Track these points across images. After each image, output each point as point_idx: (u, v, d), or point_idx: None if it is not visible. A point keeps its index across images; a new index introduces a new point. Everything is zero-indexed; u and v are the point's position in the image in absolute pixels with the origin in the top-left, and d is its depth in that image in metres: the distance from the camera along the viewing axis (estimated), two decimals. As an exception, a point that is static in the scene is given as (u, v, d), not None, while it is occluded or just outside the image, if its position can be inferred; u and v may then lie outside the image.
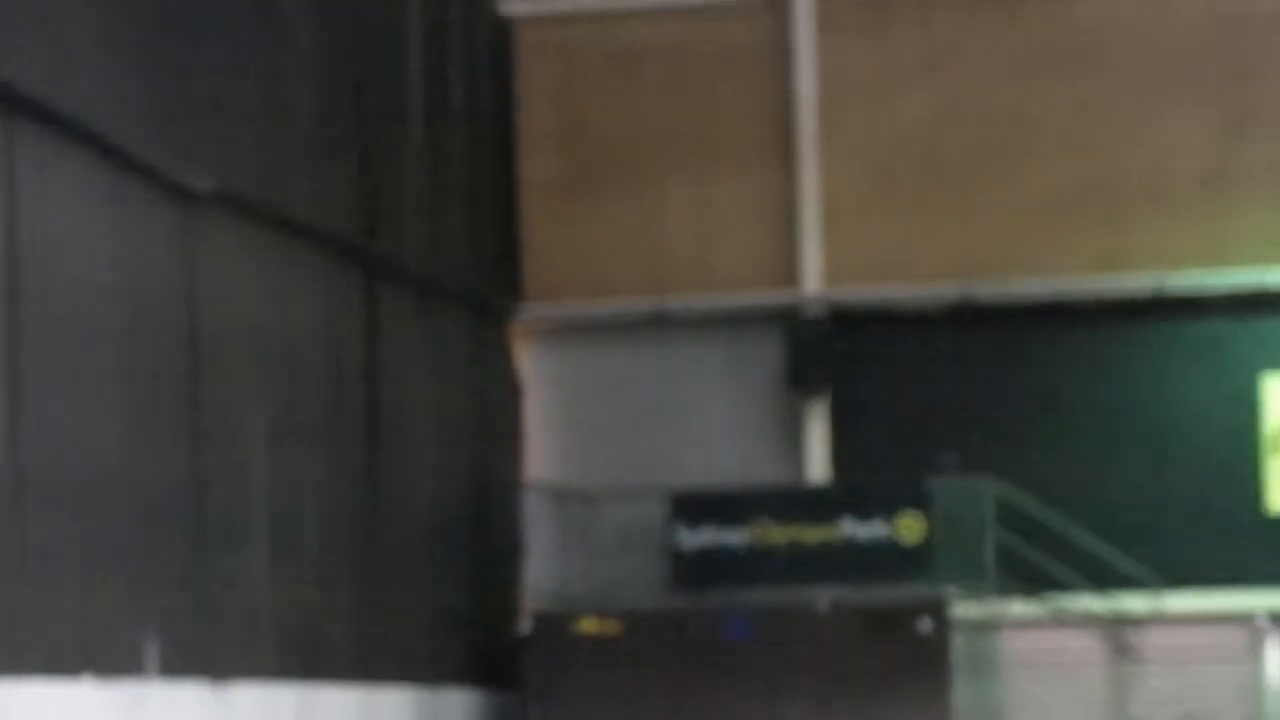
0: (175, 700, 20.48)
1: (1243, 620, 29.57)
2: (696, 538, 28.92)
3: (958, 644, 26.72)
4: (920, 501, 28.49)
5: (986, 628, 28.48)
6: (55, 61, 19.17)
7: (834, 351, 30.46)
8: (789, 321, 30.66)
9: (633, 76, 30.74)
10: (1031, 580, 28.80)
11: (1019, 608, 29.20)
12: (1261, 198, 29.79)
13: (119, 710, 19.40)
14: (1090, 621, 29.26)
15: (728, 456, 30.34)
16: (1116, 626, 29.13)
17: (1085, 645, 29.62)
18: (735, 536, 28.83)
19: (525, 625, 28.34)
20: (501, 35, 31.02)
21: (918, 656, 26.52)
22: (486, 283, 30.15)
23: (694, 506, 29.19)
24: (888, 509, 28.55)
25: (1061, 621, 29.33)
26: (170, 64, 21.34)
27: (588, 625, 27.47)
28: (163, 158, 20.84)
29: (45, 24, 19.07)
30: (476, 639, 28.26)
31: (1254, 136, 29.72)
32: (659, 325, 30.77)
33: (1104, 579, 28.95)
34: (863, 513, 28.69)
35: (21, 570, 18.17)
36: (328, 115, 25.12)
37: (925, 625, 26.65)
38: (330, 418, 24.81)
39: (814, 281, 30.52)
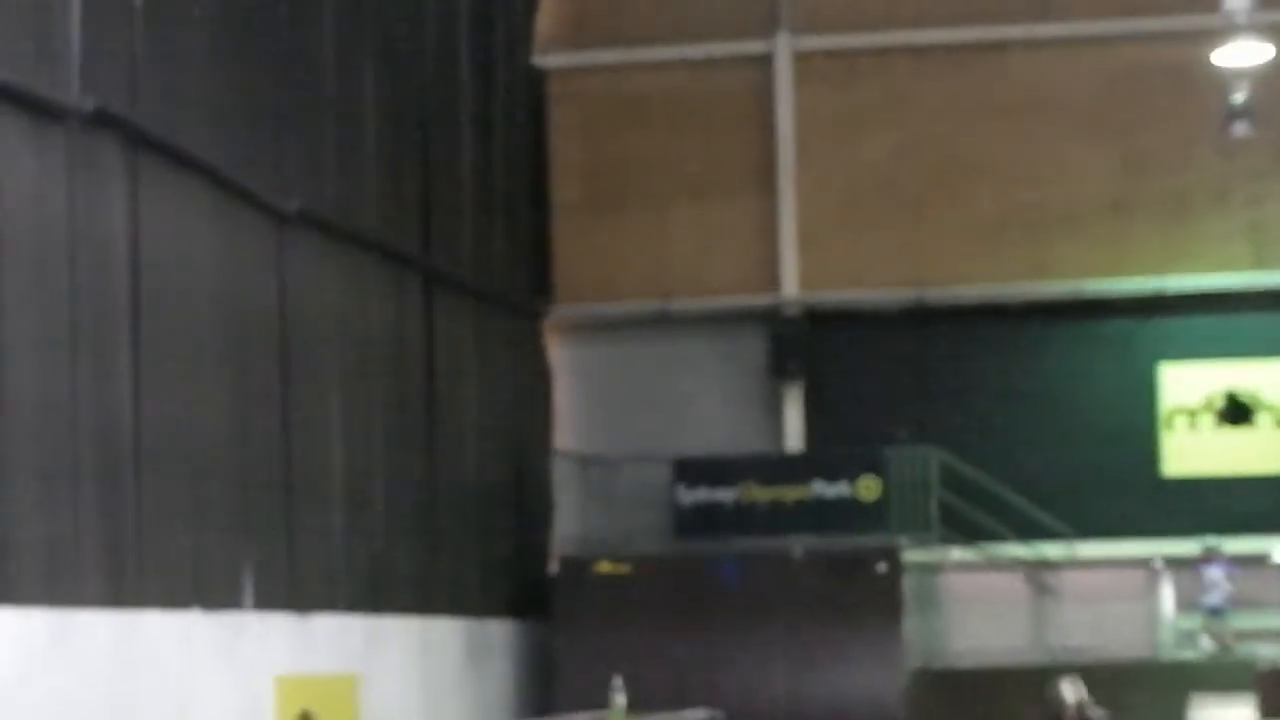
0: (267, 628, 20.67)
1: (1141, 564, 29.75)
2: (693, 496, 29.12)
3: (907, 583, 26.82)
4: (877, 467, 28.71)
5: (931, 570, 28.50)
6: (173, 104, 19.35)
7: (808, 345, 30.53)
8: (771, 320, 30.74)
9: (642, 118, 30.70)
10: (968, 531, 28.90)
11: (958, 554, 29.29)
12: (1155, 220, 29.86)
13: (221, 636, 19.61)
14: (1016, 565, 29.18)
15: (720, 430, 30.32)
16: (1037, 569, 29.09)
17: (1011, 584, 29.59)
18: (725, 495, 29.02)
19: (554, 567, 28.39)
20: (536, 84, 30.95)
21: (875, 593, 26.57)
22: (523, 288, 30.06)
23: (692, 470, 29.38)
24: (850, 473, 28.77)
25: (992, 565, 29.28)
26: (265, 104, 21.46)
27: (604, 567, 27.51)
28: (258, 184, 21.01)
29: (165, 72, 19.26)
30: (514, 579, 28.21)
31: (1149, 170, 29.84)
32: (663, 323, 30.79)
33: (1027, 530, 29.03)
34: (830, 476, 28.89)
35: (145, 523, 18.38)
36: (393, 149, 25.12)
37: (881, 568, 26.70)
38: (394, 399, 24.84)
39: (792, 287, 30.54)
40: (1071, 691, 17.10)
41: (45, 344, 17.16)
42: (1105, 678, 25.84)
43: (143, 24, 18.78)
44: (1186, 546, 28.93)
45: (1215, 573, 28.20)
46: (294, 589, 21.49)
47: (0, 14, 16.69)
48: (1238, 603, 28.28)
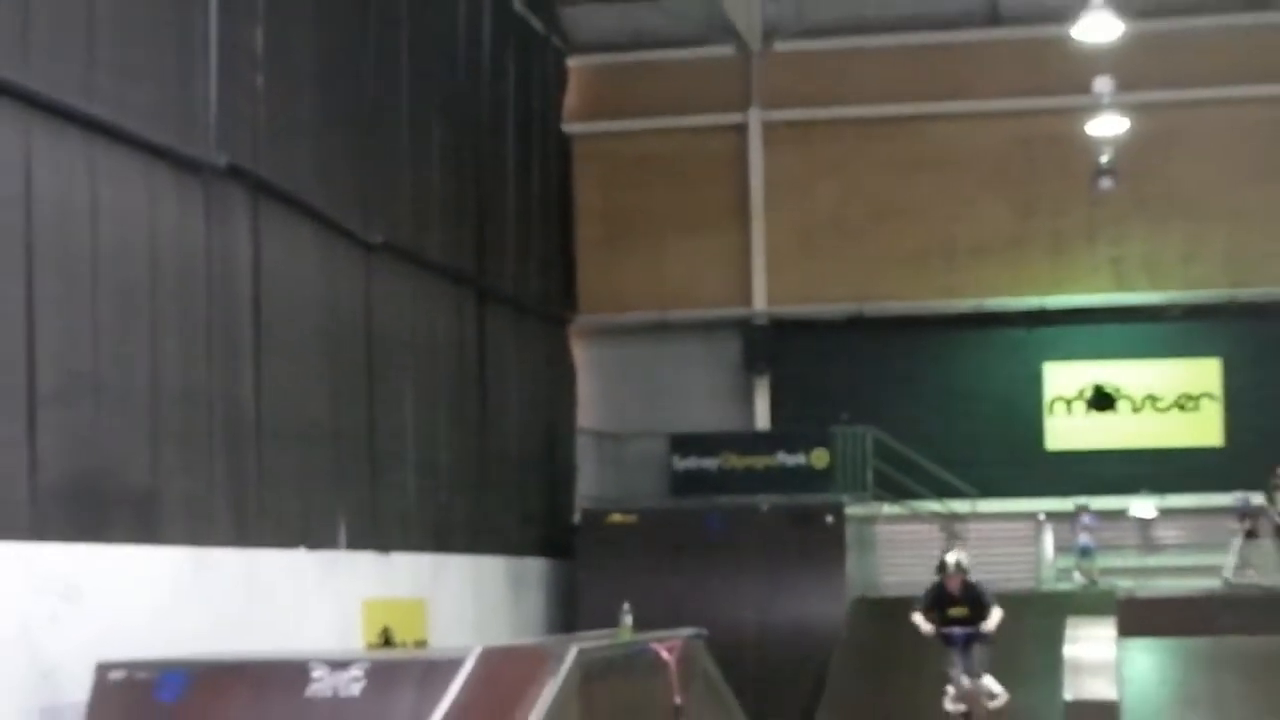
0: (356, 563, 20.74)
1: (1029, 517, 29.88)
2: (685, 463, 29.16)
3: (849, 531, 26.70)
4: (825, 442, 28.75)
5: (867, 521, 28.45)
6: (285, 158, 19.39)
7: (773, 347, 30.48)
8: (744, 327, 30.68)
9: (646, 172, 30.65)
10: (896, 491, 29.01)
11: (888, 509, 29.38)
12: (1041, 253, 29.90)
13: (321, 569, 19.69)
14: (932, 517, 29.21)
15: (705, 413, 30.34)
16: (949, 520, 29.06)
17: (929, 532, 29.52)
18: (710, 463, 29.07)
19: (576, 518, 28.29)
20: (564, 145, 30.90)
21: (824, 539, 26.43)
22: (554, 302, 29.97)
23: (684, 444, 29.43)
24: (805, 446, 28.81)
25: (914, 517, 29.36)
26: (355, 157, 21.50)
27: (616, 518, 27.41)
28: (350, 221, 21.06)
29: (280, 134, 19.30)
30: (546, 526, 28.20)
31: (1036, 214, 29.93)
32: (661, 329, 30.72)
33: (941, 490, 29.13)
34: (790, 449, 28.95)
35: (263, 482, 18.53)
36: (454, 194, 25.09)
37: (829, 520, 26.48)
38: (454, 386, 24.81)
39: (761, 302, 30.52)
40: (954, 554, 17.48)
41: (188, 346, 17.25)
42: (1000, 604, 25.92)
43: (263, 96, 18.88)
44: (1063, 504, 29.04)
45: (1085, 523, 28.24)
46: (377, 533, 21.52)
47: (154, 89, 16.77)
48: (1101, 547, 28.32)
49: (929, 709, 20.42)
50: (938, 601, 17.25)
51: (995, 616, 17.08)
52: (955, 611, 17.08)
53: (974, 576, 17.65)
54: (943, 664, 17.94)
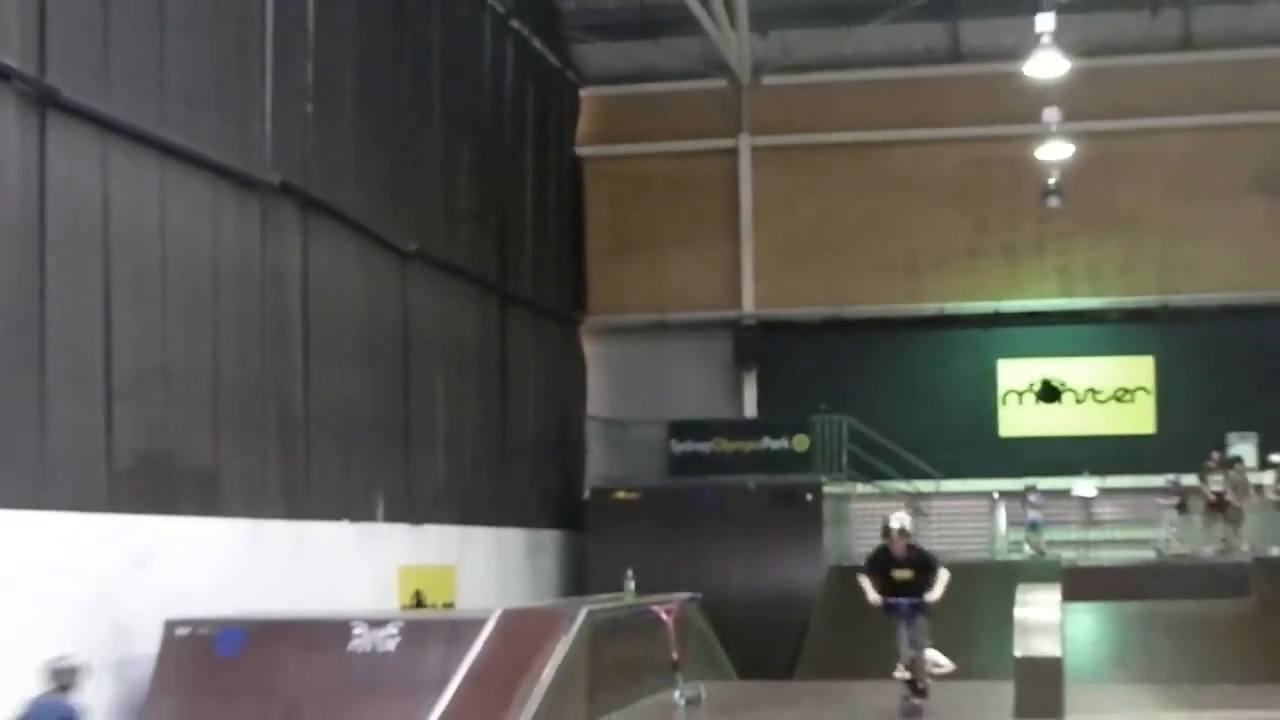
0: (392, 534, 20.79)
1: (985, 495, 29.82)
2: (682, 447, 29.08)
3: (826, 508, 26.71)
4: (806, 428, 28.67)
5: (842, 498, 28.37)
6: (331, 176, 19.44)
7: (760, 345, 30.44)
8: (734, 328, 30.62)
9: (648, 190, 30.64)
10: (867, 472, 28.92)
11: (860, 488, 29.25)
12: (995, 263, 29.96)
13: (361, 539, 19.74)
14: (900, 495, 28.94)
15: (700, 402, 30.24)
16: (915, 498, 28.91)
17: (897, 508, 29.45)
18: (704, 447, 28.98)
19: (586, 495, 28.10)
20: (576, 166, 30.89)
21: (804, 515, 26.47)
22: (567, 304, 29.99)
23: (680, 429, 29.32)
24: (788, 432, 28.72)
25: (884, 495, 29.11)
26: (392, 174, 21.57)
27: (621, 495, 27.40)
28: (388, 230, 21.10)
29: (326, 154, 19.34)
30: (559, 502, 28.17)
31: (991, 229, 29.95)
32: (661, 329, 30.64)
33: (908, 472, 29.05)
34: (774, 434, 28.86)
35: (311, 463, 18.60)
36: (480, 208, 25.14)
37: (808, 497, 26.54)
38: (479, 379, 24.85)
39: (749, 305, 30.50)
40: (897, 519, 15.76)
41: (245, 343, 17.33)
42: (959, 573, 25.87)
43: (312, 123, 18.93)
44: (1014, 484, 28.94)
45: (1033, 501, 28.26)
46: (410, 507, 21.54)
47: (218, 116, 16.82)
48: (1048, 522, 28.34)
49: (893, 664, 20.48)
50: (882, 565, 15.45)
51: (942, 580, 15.37)
52: (900, 575, 15.29)
53: (921, 541, 16.23)
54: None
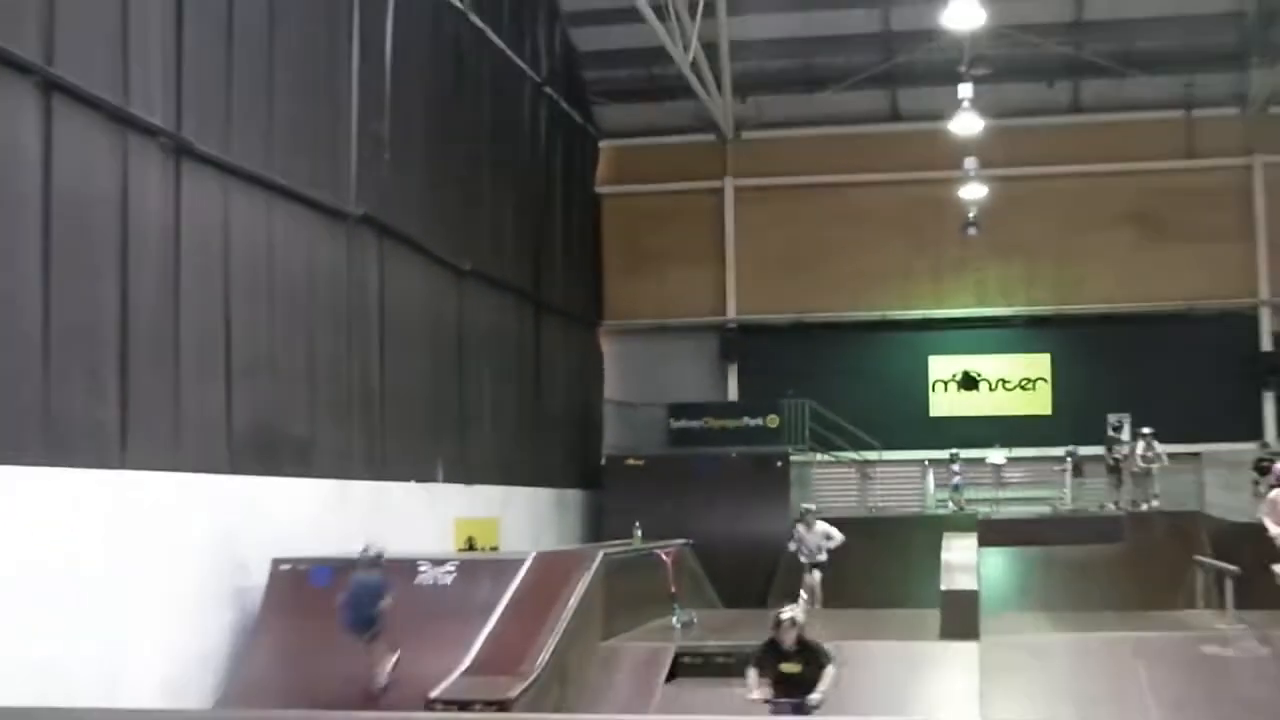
0: (450, 492, 20.72)
1: (918, 463, 29.55)
2: (679, 424, 28.77)
3: (792, 473, 26.60)
4: (776, 410, 28.32)
5: (805, 465, 28.24)
6: (404, 208, 19.46)
7: (741, 344, 30.30)
8: (720, 330, 30.47)
9: (654, 221, 30.38)
10: (825, 444, 28.76)
11: (819, 457, 29.10)
12: (927, 279, 29.66)
13: (426, 497, 19.75)
14: (851, 463, 29.14)
15: (693, 388, 30.06)
16: (862, 465, 29.10)
17: (848, 474, 29.60)
18: (696, 424, 28.68)
19: (603, 461, 28.05)
20: (596, 201, 30.68)
21: (775, 478, 26.39)
22: (588, 311, 29.84)
23: (678, 410, 29.00)
24: (762, 413, 28.37)
25: (838, 463, 29.22)
26: (451, 205, 21.52)
27: (630, 462, 27.27)
28: (447, 252, 21.09)
29: (401, 190, 19.35)
30: (582, 466, 28.03)
31: (924, 254, 29.64)
32: (663, 330, 30.38)
33: (857, 444, 28.90)
34: (752, 414, 28.52)
35: (387, 435, 18.61)
36: (521, 233, 25.11)
37: (778, 464, 26.42)
38: (518, 370, 24.79)
39: (732, 312, 30.30)
40: (789, 610, 11.53)
41: (334, 339, 17.42)
42: (896, 524, 26.03)
43: (388, 167, 18.96)
44: (941, 454, 28.70)
45: (955, 469, 28.19)
46: (464, 471, 21.50)
47: (314, 162, 16.87)
48: (967, 484, 28.25)
49: (845, 594, 20.55)
50: (770, 658, 11.35)
51: (827, 679, 11.13)
52: (788, 668, 11.25)
53: (809, 631, 11.60)
54: None
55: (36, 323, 11.78)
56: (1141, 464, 25.03)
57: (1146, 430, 24.97)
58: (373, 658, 13.27)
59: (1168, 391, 27.82)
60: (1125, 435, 26.36)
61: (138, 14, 13.24)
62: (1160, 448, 24.91)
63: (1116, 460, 26.17)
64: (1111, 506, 25.91)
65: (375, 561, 13.59)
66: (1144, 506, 24.84)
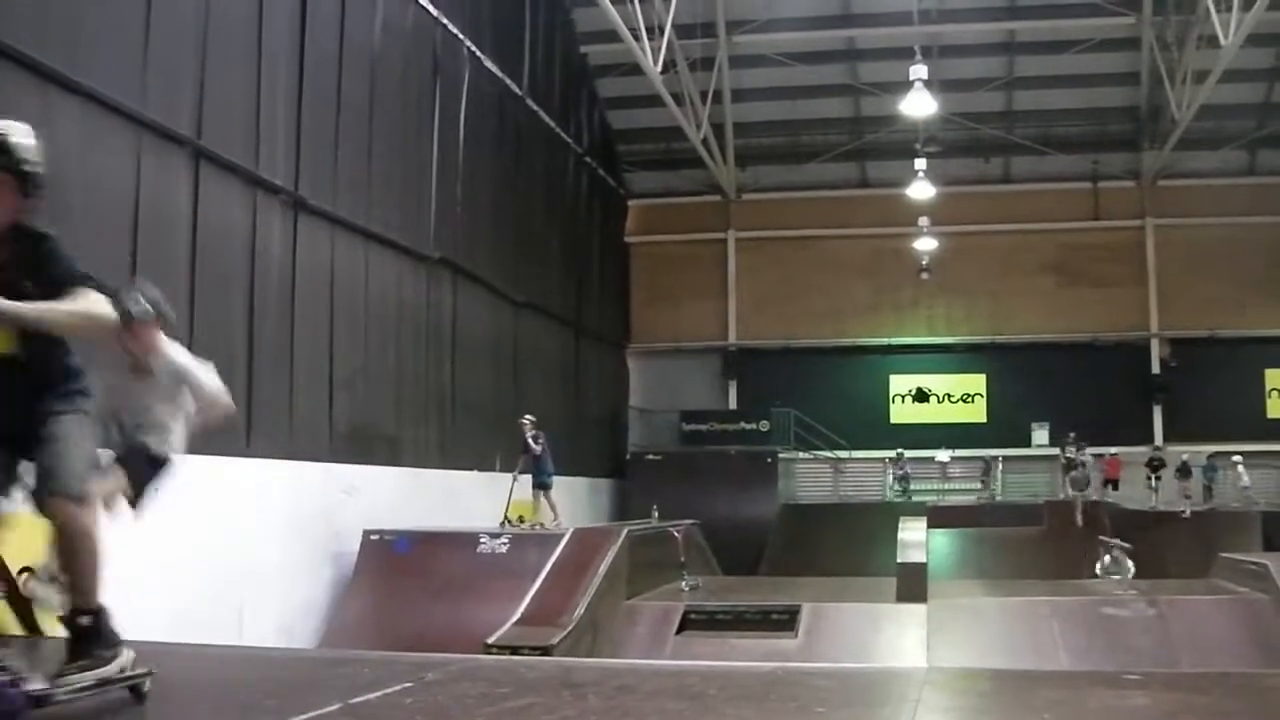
0: (505, 480, 20.40)
1: (879, 461, 29.00)
2: (690, 427, 28.68)
3: (779, 467, 26.54)
4: (768, 416, 28.34)
5: (790, 461, 28.12)
6: (474, 250, 19.49)
7: (741, 364, 30.06)
8: (723, 352, 30.26)
9: (672, 264, 30.18)
10: (807, 445, 28.63)
11: (802, 455, 28.91)
12: (890, 313, 29.46)
13: (484, 483, 19.33)
14: (827, 460, 29.02)
15: (701, 399, 29.88)
16: (837, 462, 28.92)
17: (825, 468, 29.38)
18: (703, 427, 28.62)
19: (628, 457, 27.88)
20: (626, 249, 30.50)
21: (766, 471, 26.33)
22: (618, 335, 29.64)
23: (689, 416, 28.94)
24: (756, 418, 28.38)
25: (817, 460, 29.02)
26: (507, 248, 21.42)
27: (650, 457, 27.19)
28: (507, 288, 21.06)
29: (471, 235, 19.38)
30: (611, 460, 27.78)
31: (885, 292, 29.50)
32: (678, 351, 30.15)
33: (832, 445, 28.80)
34: (748, 420, 28.53)
35: (455, 433, 18.54)
36: (565, 272, 25.05)
37: (769, 460, 26.44)
38: (562, 382, 24.67)
39: (733, 338, 30.12)
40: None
41: (415, 355, 17.42)
42: (861, 509, 25.88)
43: (461, 219, 18.99)
44: (897, 453, 28.65)
45: (901, 465, 27.96)
46: (517, 463, 21.09)
47: (401, 214, 16.91)
48: (918, 477, 28.07)
49: (818, 565, 20.45)
50: None
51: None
52: None
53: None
54: None
55: (183, 342, 11.76)
56: (1064, 461, 25.00)
57: (1073, 434, 25.14)
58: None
59: (1078, 405, 27.64)
60: (1072, 444, 25.96)
61: (267, 96, 13.38)
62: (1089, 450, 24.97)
63: (1070, 459, 25.96)
64: (1069, 492, 25.37)
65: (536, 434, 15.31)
66: (1095, 497, 24.59)
